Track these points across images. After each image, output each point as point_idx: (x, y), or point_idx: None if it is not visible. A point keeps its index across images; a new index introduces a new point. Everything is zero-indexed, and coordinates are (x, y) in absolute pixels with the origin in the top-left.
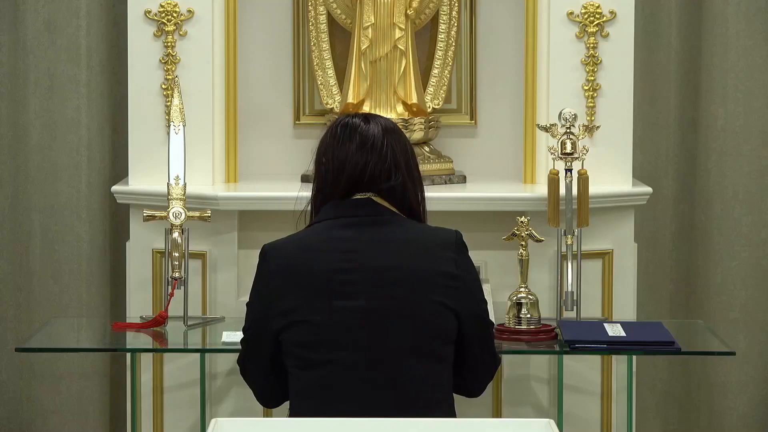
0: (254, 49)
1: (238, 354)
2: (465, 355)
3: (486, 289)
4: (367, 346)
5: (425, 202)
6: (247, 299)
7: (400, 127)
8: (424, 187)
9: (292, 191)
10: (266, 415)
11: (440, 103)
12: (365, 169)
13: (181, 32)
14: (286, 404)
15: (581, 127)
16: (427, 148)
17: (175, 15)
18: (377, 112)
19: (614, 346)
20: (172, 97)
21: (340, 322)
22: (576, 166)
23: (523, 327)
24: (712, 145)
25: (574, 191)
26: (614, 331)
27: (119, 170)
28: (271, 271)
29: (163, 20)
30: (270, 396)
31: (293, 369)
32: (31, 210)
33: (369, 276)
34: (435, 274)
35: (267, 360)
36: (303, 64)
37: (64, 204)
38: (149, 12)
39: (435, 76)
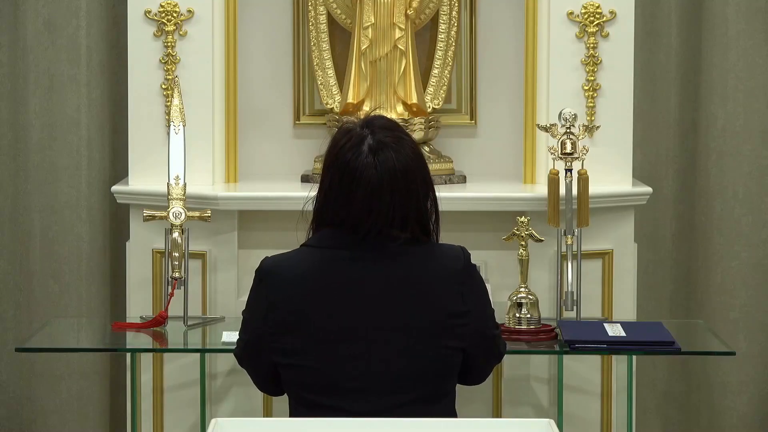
0: (254, 49)
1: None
2: (469, 364)
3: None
4: (373, 396)
5: (438, 213)
6: (245, 306)
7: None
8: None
9: (292, 191)
10: (266, 415)
11: (440, 103)
12: (371, 225)
13: (181, 32)
14: (286, 403)
15: (581, 127)
16: (427, 148)
17: (175, 15)
18: (377, 113)
19: (614, 346)
20: (172, 97)
21: (344, 369)
22: (576, 166)
23: (523, 327)
24: (712, 145)
25: (574, 191)
26: (614, 331)
27: (119, 170)
28: (270, 302)
29: (163, 20)
30: (270, 389)
31: (295, 404)
32: (31, 210)
33: (373, 326)
34: (443, 318)
35: (266, 368)
36: (303, 64)
37: (64, 204)
38: (149, 12)
39: (435, 76)
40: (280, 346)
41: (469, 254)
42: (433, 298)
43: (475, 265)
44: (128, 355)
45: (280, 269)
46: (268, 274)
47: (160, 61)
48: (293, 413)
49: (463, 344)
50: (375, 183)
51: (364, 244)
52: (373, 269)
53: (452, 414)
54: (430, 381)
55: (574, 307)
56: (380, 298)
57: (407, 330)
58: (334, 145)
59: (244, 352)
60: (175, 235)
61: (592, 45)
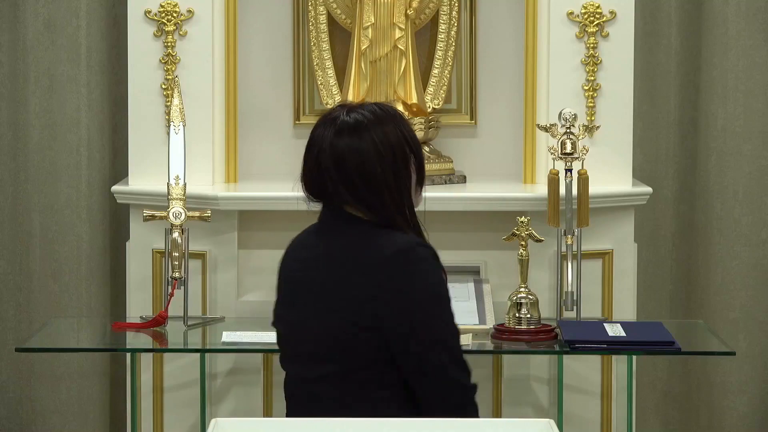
0: (254, 49)
1: (238, 354)
2: (410, 381)
3: (486, 289)
4: (307, 363)
5: (411, 201)
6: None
7: None
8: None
9: (291, 191)
10: (266, 415)
11: (440, 103)
12: (321, 185)
13: (181, 32)
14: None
15: (581, 127)
16: (427, 148)
17: (175, 15)
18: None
19: (614, 346)
20: (172, 97)
21: (291, 334)
22: (576, 166)
23: (523, 327)
24: (712, 145)
25: (574, 191)
26: (614, 331)
27: (119, 170)
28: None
29: (163, 20)
30: None
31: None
32: (31, 210)
33: (308, 292)
34: (359, 297)
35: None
36: (303, 64)
37: (64, 204)
38: (149, 12)
39: (435, 76)
40: (275, 314)
41: (424, 253)
42: (357, 275)
43: (420, 265)
44: (128, 355)
45: (288, 245)
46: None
47: (160, 61)
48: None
49: (379, 325)
50: (334, 141)
51: (331, 220)
52: (326, 244)
53: (404, 411)
54: (352, 357)
55: (574, 307)
56: (321, 270)
57: (333, 304)
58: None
59: None
60: (175, 235)
61: (592, 45)
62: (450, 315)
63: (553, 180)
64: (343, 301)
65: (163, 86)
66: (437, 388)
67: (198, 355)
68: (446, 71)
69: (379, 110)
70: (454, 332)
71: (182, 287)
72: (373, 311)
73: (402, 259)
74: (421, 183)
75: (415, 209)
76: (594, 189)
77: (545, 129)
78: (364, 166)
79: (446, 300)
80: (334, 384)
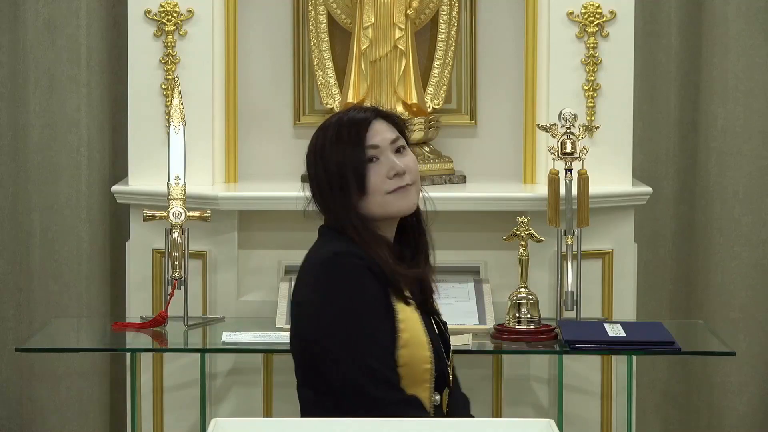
0: (254, 49)
1: (238, 354)
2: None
3: (486, 289)
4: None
5: (355, 208)
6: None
7: None
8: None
9: (292, 191)
10: (266, 415)
11: (440, 103)
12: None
13: (181, 32)
14: (286, 403)
15: (581, 127)
16: (427, 148)
17: (175, 15)
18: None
19: (614, 346)
20: (172, 97)
21: None
22: (576, 166)
23: (523, 327)
24: (712, 145)
25: (574, 191)
26: (614, 331)
27: (119, 170)
28: None
29: (163, 20)
30: None
31: None
32: (31, 210)
33: None
34: (292, 301)
35: None
36: (303, 64)
37: (64, 204)
38: (149, 12)
39: (435, 76)
40: None
41: (345, 264)
42: (296, 283)
43: (338, 276)
44: (128, 355)
45: None
46: None
47: (160, 61)
48: None
49: (302, 333)
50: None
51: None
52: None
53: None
54: (298, 362)
55: (574, 307)
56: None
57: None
58: None
59: None
60: (175, 235)
61: (592, 45)
62: (366, 327)
63: (553, 180)
64: (291, 306)
65: (163, 86)
66: (347, 401)
67: (198, 355)
68: (446, 71)
69: (334, 119)
70: (368, 344)
71: (182, 287)
72: (300, 319)
73: (321, 268)
74: (361, 191)
75: (395, 211)
76: (594, 189)
77: (545, 129)
78: (308, 173)
79: (360, 313)
80: (300, 387)
